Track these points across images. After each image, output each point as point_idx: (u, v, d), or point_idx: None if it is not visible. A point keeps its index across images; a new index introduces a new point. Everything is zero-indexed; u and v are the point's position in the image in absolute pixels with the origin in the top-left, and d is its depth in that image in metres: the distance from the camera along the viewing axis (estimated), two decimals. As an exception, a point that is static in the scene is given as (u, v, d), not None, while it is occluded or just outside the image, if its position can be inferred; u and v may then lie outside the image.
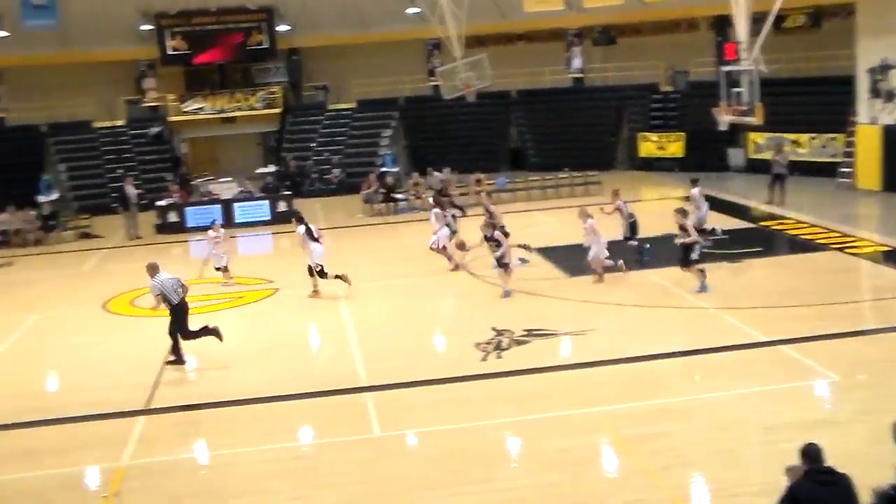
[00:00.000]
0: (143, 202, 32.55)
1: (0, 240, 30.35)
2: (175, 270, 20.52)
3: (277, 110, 40.52)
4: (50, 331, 19.92)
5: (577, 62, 41.00)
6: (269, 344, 17.64)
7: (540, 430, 12.59)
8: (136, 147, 39.13)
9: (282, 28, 40.52)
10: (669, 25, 39.83)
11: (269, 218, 31.32)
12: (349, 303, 19.92)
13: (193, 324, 16.87)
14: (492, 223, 20.11)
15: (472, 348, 16.08)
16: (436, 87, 38.23)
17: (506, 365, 15.30)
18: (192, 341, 16.61)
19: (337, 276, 20.45)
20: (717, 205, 25.94)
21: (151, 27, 39.60)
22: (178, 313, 16.62)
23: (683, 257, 18.96)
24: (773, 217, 26.39)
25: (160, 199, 32.33)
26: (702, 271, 18.69)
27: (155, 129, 39.51)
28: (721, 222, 24.09)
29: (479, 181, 32.66)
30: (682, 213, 19.23)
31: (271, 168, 37.23)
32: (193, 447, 13.16)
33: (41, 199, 33.68)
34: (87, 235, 31.20)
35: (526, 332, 16.79)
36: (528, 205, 31.28)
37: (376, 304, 19.92)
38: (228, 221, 31.01)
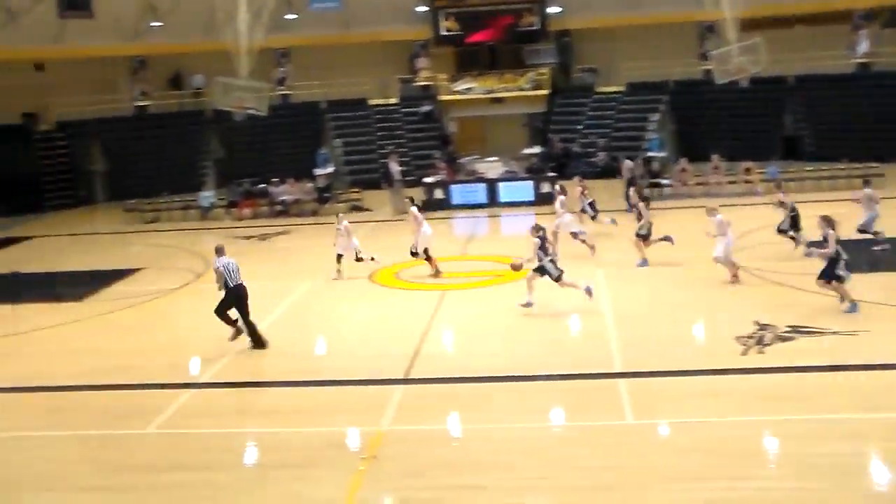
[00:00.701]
0: (409, 178, 33.64)
1: (280, 209, 32.36)
2: (440, 248, 21.22)
3: (545, 92, 40.67)
4: (320, 298, 21.00)
5: (863, 46, 38.51)
6: (525, 323, 17.79)
7: (801, 432, 12.01)
8: (407, 125, 40.52)
9: (553, 9, 40.60)
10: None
11: (532, 199, 31.52)
12: (608, 287, 19.76)
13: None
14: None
15: (733, 341, 15.55)
16: (707, 70, 37.13)
17: (767, 361, 14.69)
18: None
19: (427, 258, 21.45)
20: None
21: (426, 9, 40.76)
22: (231, 295, 16.90)
23: (826, 270, 16.89)
24: None
25: (427, 176, 33.27)
26: (841, 287, 16.80)
27: (426, 108, 40.68)
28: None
29: (748, 170, 31.50)
30: (828, 221, 17.09)
31: (537, 149, 37.45)
32: (447, 419, 13.50)
33: (318, 172, 35.56)
34: (357, 208, 32.63)
35: (790, 329, 16.04)
36: (799, 196, 29.80)
37: (635, 290, 19.65)
38: (493, 200, 31.60)
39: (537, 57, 41.95)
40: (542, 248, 18.11)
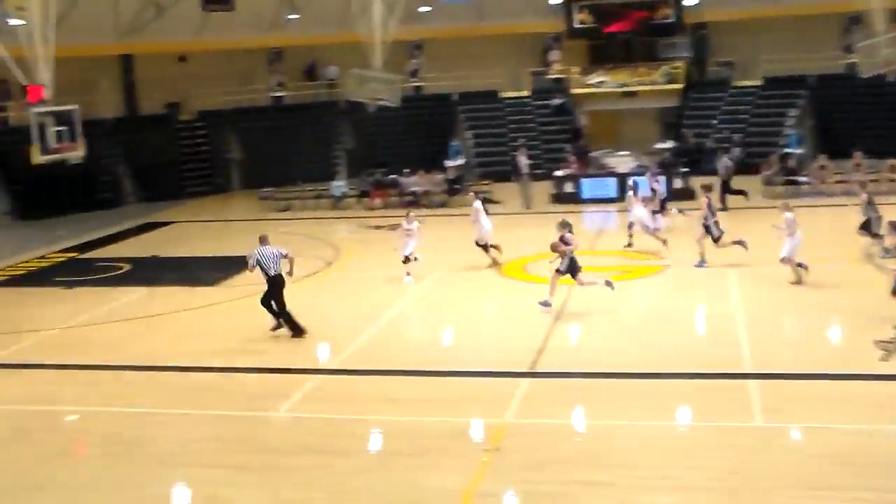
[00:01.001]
0: (537, 172, 33.52)
1: (410, 200, 32.64)
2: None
3: (679, 86, 39.90)
4: (447, 289, 21.13)
5: None
6: (653, 320, 17.55)
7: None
8: (539, 117, 40.35)
9: (689, 2, 39.79)
10: None
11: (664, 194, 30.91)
12: (740, 285, 19.30)
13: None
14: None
15: (870, 346, 14.97)
16: (851, 64, 35.79)
17: (907, 368, 14.12)
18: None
19: (493, 247, 21.96)
20: None
21: (560, 1, 40.47)
22: (271, 284, 17.27)
23: None
24: None
25: (558, 170, 33.09)
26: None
27: (557, 101, 40.43)
28: None
29: (893, 167, 30.28)
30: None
31: (669, 144, 36.82)
32: (572, 414, 13.40)
33: (448, 163, 35.73)
34: (487, 201, 32.60)
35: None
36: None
37: (769, 289, 19.12)
38: (623, 195, 31.16)
39: (672, 50, 41.18)
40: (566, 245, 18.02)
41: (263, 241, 17.78)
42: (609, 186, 31.36)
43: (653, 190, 25.00)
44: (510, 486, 11.16)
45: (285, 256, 17.52)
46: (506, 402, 13.67)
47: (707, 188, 21.89)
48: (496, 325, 18.05)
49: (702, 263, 20.93)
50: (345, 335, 17.53)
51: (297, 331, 17.48)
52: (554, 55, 41.54)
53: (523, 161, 32.33)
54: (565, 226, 18.27)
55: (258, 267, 17.44)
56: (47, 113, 24.37)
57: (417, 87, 41.42)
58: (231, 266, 22.74)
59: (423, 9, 39.63)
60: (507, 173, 35.12)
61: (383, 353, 16.61)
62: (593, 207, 30.22)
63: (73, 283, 22.82)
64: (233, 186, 40.62)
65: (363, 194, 34.12)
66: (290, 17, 40.02)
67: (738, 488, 10.64)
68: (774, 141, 36.15)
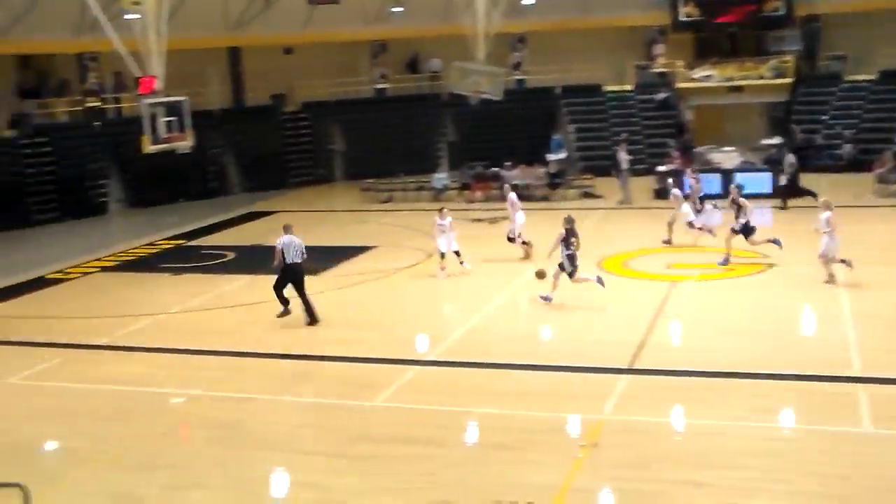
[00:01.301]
0: (638, 167, 33.08)
1: (510, 193, 32.51)
2: (675, 238, 20.74)
3: (788, 80, 38.88)
4: (547, 282, 20.99)
5: None
6: (756, 319, 17.14)
7: None
8: (642, 112, 39.79)
9: (801, -6, 38.75)
10: None
11: (770, 191, 30.20)
12: (848, 287, 18.72)
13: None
14: None
15: None
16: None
17: None
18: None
19: (524, 243, 22.25)
20: None
21: (666, -6, 39.86)
22: (286, 271, 17.98)
23: None
24: None
25: (661, 165, 32.60)
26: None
27: (661, 95, 39.82)
28: None
29: None
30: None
31: (776, 140, 35.92)
32: (671, 412, 13.21)
33: (550, 157, 35.50)
34: (588, 195, 32.38)
35: None
36: None
37: (880, 292, 18.50)
38: (728, 192, 30.56)
39: (781, 43, 40.09)
40: (566, 241, 18.31)
41: (287, 230, 18.43)
42: (713, 183, 30.73)
43: (691, 187, 25.14)
44: (606, 483, 11.03)
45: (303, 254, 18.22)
46: (604, 397, 13.53)
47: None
48: (596, 319, 17.86)
49: (725, 261, 20.98)
50: (443, 327, 17.60)
51: (313, 318, 18.11)
52: (658, 49, 40.88)
53: (623, 156, 31.93)
54: (569, 221, 18.64)
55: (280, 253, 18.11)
56: (158, 104, 24.98)
57: (520, 80, 41.22)
58: (333, 256, 22.99)
59: (526, 1, 39.46)
60: (608, 168, 34.74)
61: (481, 346, 16.60)
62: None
63: (180, 269, 23.35)
64: (335, 177, 41.09)
65: (464, 187, 34.17)
66: (395, 9, 40.25)
67: (848, 496, 10.33)
68: (888, 137, 34.93)
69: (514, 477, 11.17)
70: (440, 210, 22.45)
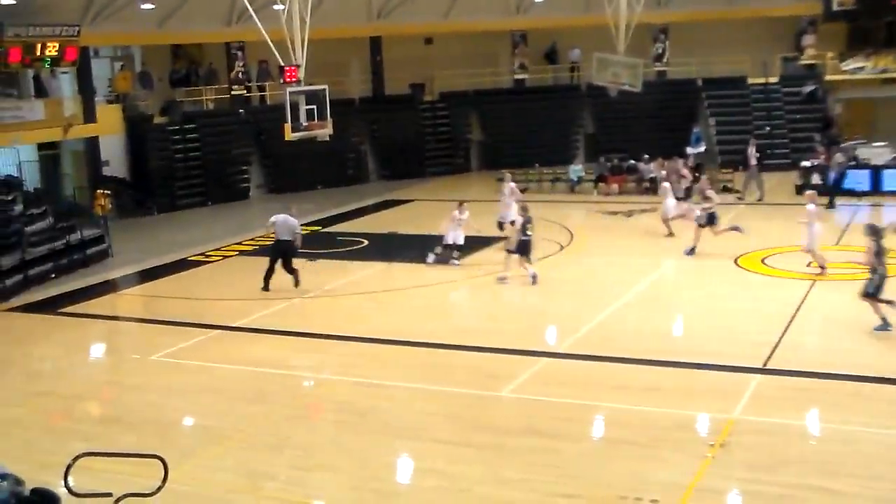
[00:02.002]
0: (769, 162, 32.51)
1: (647, 187, 32.06)
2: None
3: (949, 72, 37.13)
4: (681, 278, 20.76)
5: None
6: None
7: None
8: (787, 105, 38.60)
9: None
10: None
11: (921, 189, 28.99)
12: None
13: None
14: None
15: None
16: None
17: None
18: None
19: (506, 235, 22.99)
20: None
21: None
22: (275, 247, 20.70)
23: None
24: None
25: (805, 160, 31.61)
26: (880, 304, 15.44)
27: (809, 88, 38.54)
28: None
29: None
30: (872, 231, 16.14)
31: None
32: (805, 414, 12.86)
33: (689, 150, 34.81)
34: (727, 190, 31.63)
35: None
36: None
37: None
38: (876, 188, 29.50)
39: (941, 34, 38.32)
40: (523, 228, 19.82)
41: (287, 209, 20.81)
42: (861, 179, 29.67)
43: (682, 177, 25.98)
44: (735, 485, 10.81)
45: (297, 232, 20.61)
46: (736, 397, 13.26)
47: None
48: (730, 317, 17.47)
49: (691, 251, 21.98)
50: (574, 319, 17.50)
51: (296, 282, 20.47)
52: (808, 40, 39.51)
53: (751, 151, 31.07)
54: (524, 209, 20.46)
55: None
56: (300, 92, 25.53)
57: (660, 72, 40.56)
58: (467, 245, 23.10)
59: (669, -8, 38.81)
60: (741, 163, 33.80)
61: (612, 340, 16.47)
62: (842, 200, 28.62)
63: (316, 255, 23.90)
64: (472, 167, 41.30)
65: (600, 179, 33.87)
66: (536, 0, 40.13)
67: None
68: None
69: (640, 473, 11.06)
70: (459, 203, 22.75)
